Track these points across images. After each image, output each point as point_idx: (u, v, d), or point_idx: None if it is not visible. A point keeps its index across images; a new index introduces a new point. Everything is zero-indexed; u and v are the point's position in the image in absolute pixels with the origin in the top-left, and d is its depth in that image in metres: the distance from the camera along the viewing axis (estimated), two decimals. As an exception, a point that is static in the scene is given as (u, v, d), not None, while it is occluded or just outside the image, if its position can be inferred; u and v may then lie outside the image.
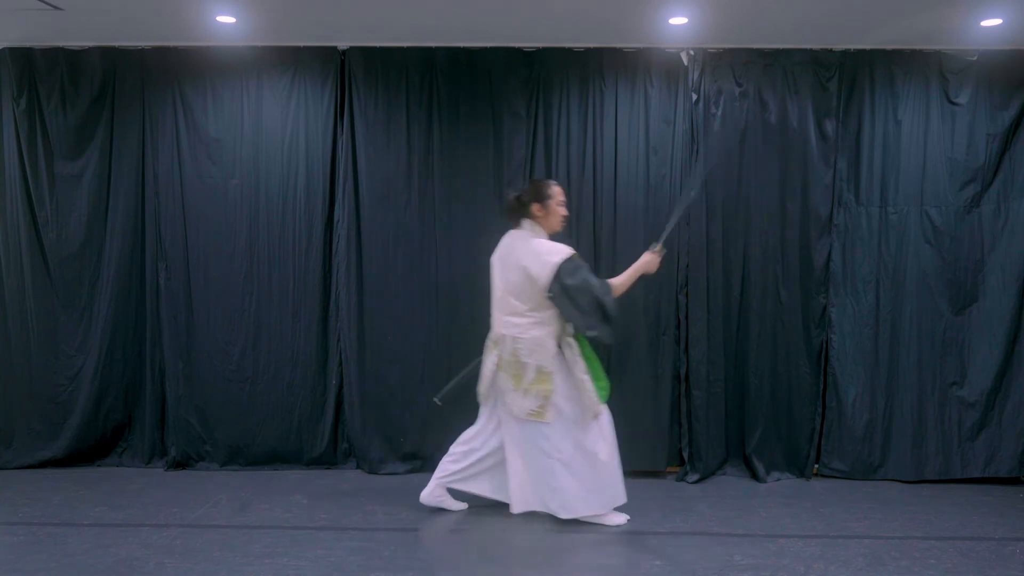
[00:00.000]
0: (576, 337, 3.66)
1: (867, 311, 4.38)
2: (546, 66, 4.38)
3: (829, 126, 4.33)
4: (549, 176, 4.38)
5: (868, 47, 4.33)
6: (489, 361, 3.68)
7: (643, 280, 4.33)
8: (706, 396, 4.34)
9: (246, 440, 4.47)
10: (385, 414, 4.41)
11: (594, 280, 3.54)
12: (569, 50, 4.38)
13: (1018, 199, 4.31)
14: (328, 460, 4.51)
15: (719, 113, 4.33)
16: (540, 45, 4.37)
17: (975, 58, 4.29)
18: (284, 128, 4.43)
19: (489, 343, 3.73)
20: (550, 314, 3.57)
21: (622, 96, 4.36)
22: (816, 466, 4.46)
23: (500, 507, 3.76)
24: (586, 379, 3.58)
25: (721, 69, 4.33)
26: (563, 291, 3.46)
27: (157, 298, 4.47)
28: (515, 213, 3.69)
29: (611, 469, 3.64)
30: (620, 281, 3.67)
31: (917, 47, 4.33)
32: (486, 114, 4.38)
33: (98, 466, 4.51)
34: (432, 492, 3.78)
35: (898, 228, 4.35)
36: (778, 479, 4.39)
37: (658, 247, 3.74)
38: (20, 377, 4.47)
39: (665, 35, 4.18)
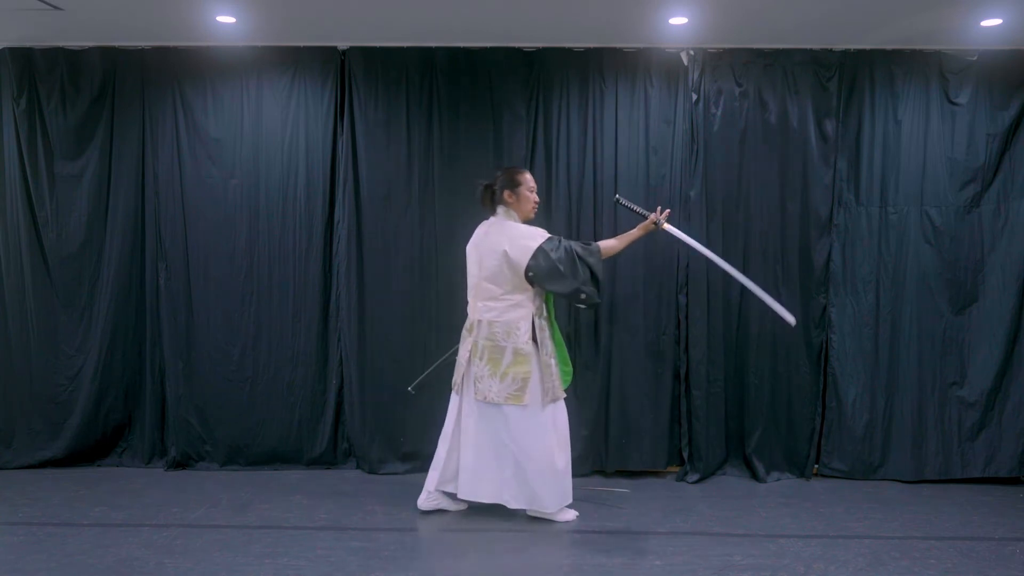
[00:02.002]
0: (548, 320, 3.72)
1: (867, 311, 4.38)
2: (546, 66, 4.38)
3: (829, 126, 4.33)
4: (548, 176, 4.39)
5: (868, 47, 4.33)
6: (463, 349, 3.73)
7: (643, 280, 4.36)
8: (706, 396, 4.34)
9: (246, 440, 4.47)
10: (385, 414, 4.41)
11: (578, 245, 3.63)
12: (569, 50, 4.38)
13: (1018, 199, 4.31)
14: (328, 460, 4.51)
15: (719, 113, 4.33)
16: (540, 45, 4.37)
17: (975, 58, 4.29)
18: (284, 128, 4.43)
19: (464, 331, 3.77)
20: (526, 296, 3.61)
21: (622, 96, 4.36)
22: (816, 466, 4.46)
23: (499, 507, 3.76)
24: (552, 362, 3.64)
25: (721, 69, 4.33)
26: (547, 264, 3.53)
27: (157, 298, 4.47)
28: (488, 201, 3.76)
29: (563, 465, 3.67)
30: (612, 244, 3.78)
31: (917, 47, 4.33)
32: (486, 114, 4.38)
33: (98, 466, 4.51)
34: (428, 499, 3.79)
35: (898, 228, 4.35)
36: (778, 479, 4.39)
37: (664, 215, 3.80)
38: (20, 377, 4.47)
39: (665, 35, 4.18)
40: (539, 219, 4.35)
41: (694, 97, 4.34)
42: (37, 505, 3.85)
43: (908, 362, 4.36)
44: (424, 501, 3.80)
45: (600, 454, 4.45)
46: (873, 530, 3.63)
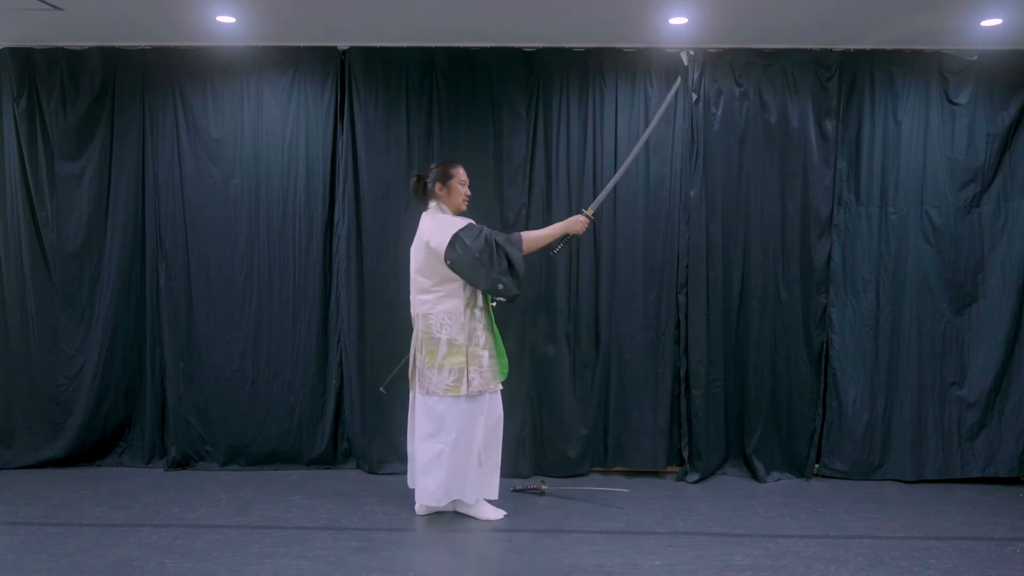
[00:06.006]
0: (485, 310, 3.70)
1: (867, 311, 4.38)
2: (546, 66, 4.38)
3: (829, 126, 4.33)
4: (548, 176, 4.39)
5: (868, 47, 4.33)
6: (412, 345, 3.74)
7: (643, 280, 4.36)
8: (706, 396, 4.34)
9: (246, 440, 4.47)
10: (385, 414, 4.41)
11: (500, 235, 3.62)
12: (569, 50, 4.38)
13: (1018, 199, 4.31)
14: (328, 460, 4.51)
15: (719, 113, 4.33)
16: (540, 45, 4.37)
17: (975, 58, 4.29)
18: (284, 128, 4.43)
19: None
20: (456, 286, 3.61)
21: (622, 96, 4.36)
22: (816, 466, 4.46)
23: (500, 506, 3.76)
24: (484, 354, 3.63)
25: (721, 69, 4.33)
26: (464, 253, 3.52)
27: (157, 298, 4.47)
28: (420, 194, 3.75)
29: (487, 460, 3.67)
30: (537, 234, 3.76)
31: (917, 47, 4.33)
32: (486, 114, 4.38)
33: (98, 466, 4.51)
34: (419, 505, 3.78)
35: (898, 228, 4.35)
36: (778, 479, 4.39)
37: (589, 211, 3.81)
38: (20, 377, 4.47)
39: (665, 35, 4.18)
40: (540, 219, 4.38)
41: (694, 97, 4.34)
42: (37, 505, 3.85)
43: (908, 362, 4.36)
44: (418, 508, 3.78)
45: (600, 454, 4.45)
46: (873, 530, 3.63)
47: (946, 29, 4.07)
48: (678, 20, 3.97)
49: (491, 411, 3.67)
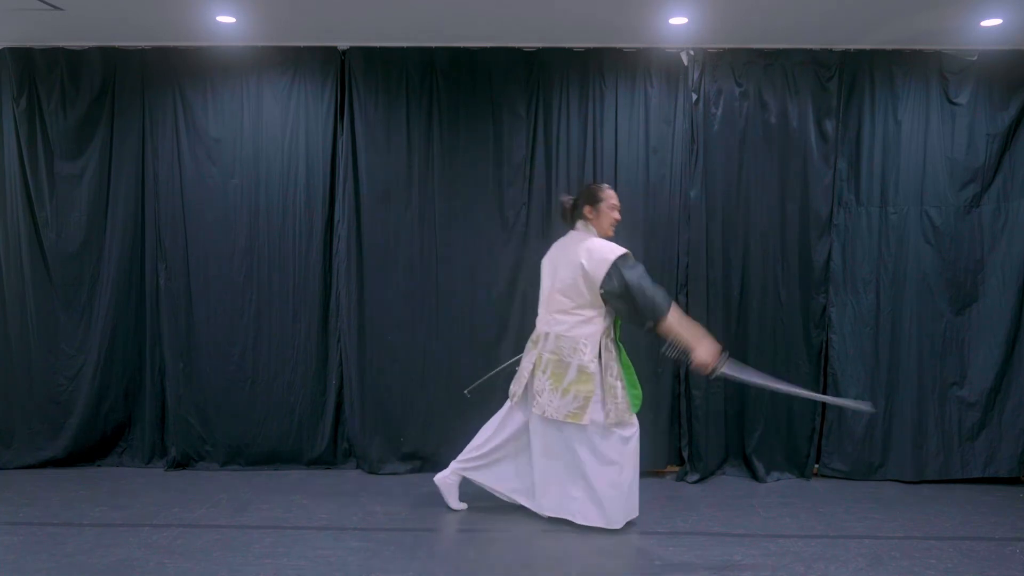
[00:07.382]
0: (616, 342, 3.65)
1: (867, 311, 4.38)
2: (546, 66, 4.38)
3: (829, 126, 4.33)
4: (548, 176, 4.39)
5: (868, 47, 4.33)
6: (527, 360, 3.68)
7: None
8: (706, 396, 4.34)
9: (246, 440, 4.47)
10: (385, 414, 4.42)
11: (648, 282, 3.46)
12: (569, 50, 4.38)
13: (1018, 199, 4.31)
14: (328, 460, 4.51)
15: (719, 113, 4.33)
16: (540, 45, 4.37)
17: (975, 58, 4.29)
18: (284, 128, 4.43)
19: (530, 343, 3.73)
20: (597, 313, 3.55)
21: (622, 96, 4.36)
22: (816, 466, 4.46)
23: (500, 506, 3.77)
24: (618, 385, 3.57)
25: (721, 69, 4.33)
26: (622, 287, 3.44)
27: (157, 298, 4.47)
28: (569, 216, 3.73)
29: (628, 483, 3.62)
30: (681, 319, 3.50)
31: (917, 47, 4.33)
32: (486, 114, 4.38)
33: (98, 466, 4.51)
34: (446, 477, 3.80)
35: (898, 228, 4.35)
36: (778, 479, 4.39)
37: (720, 368, 3.46)
38: (20, 377, 4.46)
39: (665, 35, 4.18)
40: (540, 219, 4.39)
41: (694, 97, 4.34)
42: (37, 505, 3.85)
43: (908, 362, 4.36)
44: (442, 478, 3.79)
45: (600, 454, 4.44)
46: (873, 530, 3.64)
47: (946, 29, 4.07)
48: (678, 20, 3.97)
49: (625, 438, 3.59)
